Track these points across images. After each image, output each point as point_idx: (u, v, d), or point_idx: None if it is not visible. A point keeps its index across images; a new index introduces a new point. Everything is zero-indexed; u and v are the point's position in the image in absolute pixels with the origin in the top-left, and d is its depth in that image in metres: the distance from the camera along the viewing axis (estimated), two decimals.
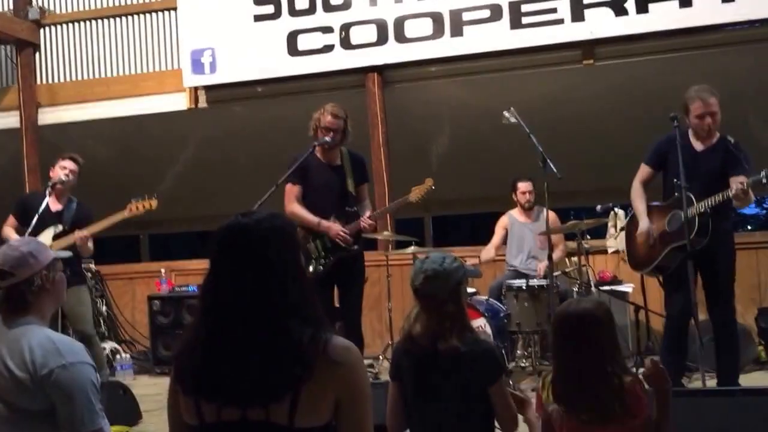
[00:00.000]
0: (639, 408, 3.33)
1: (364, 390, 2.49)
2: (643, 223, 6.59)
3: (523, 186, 8.94)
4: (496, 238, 9.11)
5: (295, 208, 6.91)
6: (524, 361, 8.16)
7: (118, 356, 9.43)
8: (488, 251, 8.98)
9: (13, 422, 3.26)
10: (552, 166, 7.03)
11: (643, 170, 6.72)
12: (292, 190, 6.98)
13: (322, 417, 2.42)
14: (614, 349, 3.42)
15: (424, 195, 7.20)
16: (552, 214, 8.11)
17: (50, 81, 11.69)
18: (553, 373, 3.48)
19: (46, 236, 7.29)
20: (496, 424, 3.86)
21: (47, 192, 7.52)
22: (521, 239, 8.94)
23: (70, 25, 11.63)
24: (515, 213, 9.10)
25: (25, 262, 3.39)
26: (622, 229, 7.68)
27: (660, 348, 7.17)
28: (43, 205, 7.37)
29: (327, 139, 6.88)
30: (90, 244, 7.43)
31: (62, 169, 7.59)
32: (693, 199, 6.16)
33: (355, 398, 2.46)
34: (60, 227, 7.41)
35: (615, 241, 8.43)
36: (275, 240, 2.51)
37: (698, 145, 6.47)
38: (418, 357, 3.79)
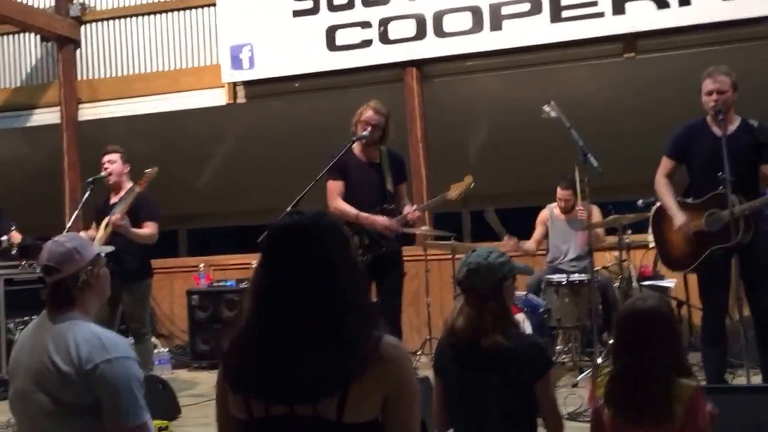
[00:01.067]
0: (697, 415, 3.26)
1: (412, 388, 2.49)
2: (678, 218, 6.22)
3: (560, 193, 8.76)
4: (537, 233, 9.01)
5: (339, 203, 6.88)
6: (564, 356, 8.09)
7: (156, 350, 9.42)
8: (529, 245, 8.87)
9: (59, 416, 3.28)
10: (593, 160, 6.91)
11: (666, 163, 6.42)
12: (334, 186, 6.93)
13: (370, 413, 2.42)
14: (678, 351, 3.38)
15: (464, 192, 7.12)
16: (595, 209, 8.01)
17: (91, 77, 11.76)
18: (612, 373, 3.43)
19: (100, 229, 7.41)
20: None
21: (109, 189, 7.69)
22: (561, 234, 8.83)
23: (111, 21, 11.70)
24: (555, 208, 8.98)
25: (71, 258, 3.42)
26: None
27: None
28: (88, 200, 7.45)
29: (365, 133, 6.84)
30: (145, 230, 7.50)
31: (102, 166, 7.70)
32: (735, 199, 5.89)
33: (403, 396, 2.46)
34: (107, 219, 7.43)
35: None
36: (330, 237, 2.52)
37: (718, 131, 6.13)
38: (461, 351, 3.75)
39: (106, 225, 7.37)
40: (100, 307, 7.26)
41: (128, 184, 7.66)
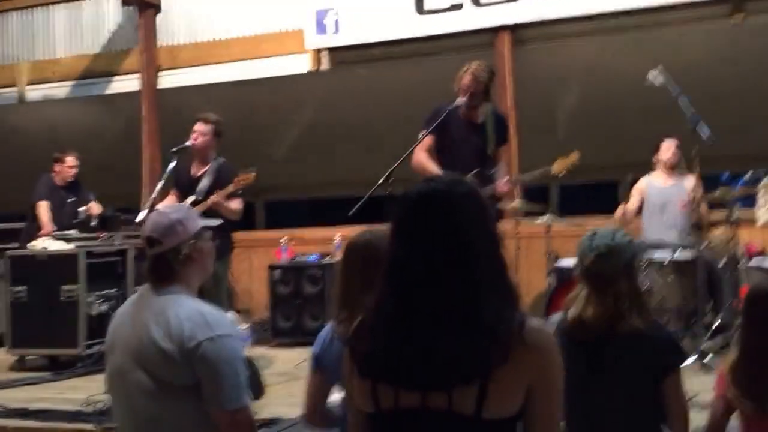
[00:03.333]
0: None
1: (558, 377, 2.26)
2: None
3: (667, 143, 8.19)
4: (633, 203, 8.37)
5: (421, 156, 6.58)
6: None
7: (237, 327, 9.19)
8: (624, 214, 8.28)
9: (157, 396, 3.18)
10: (704, 129, 6.69)
11: None
12: (426, 139, 6.61)
13: (512, 407, 2.18)
14: None
15: (568, 169, 6.81)
16: (698, 182, 7.52)
17: (170, 43, 11.64)
18: (736, 355, 3.32)
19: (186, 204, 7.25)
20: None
21: (191, 157, 7.55)
22: (660, 206, 8.25)
23: None
24: (654, 177, 8.37)
25: (173, 230, 3.33)
26: None
27: None
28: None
29: (463, 100, 6.58)
30: (234, 205, 7.33)
31: (192, 134, 7.50)
32: None
33: (549, 385, 2.23)
34: (193, 197, 7.30)
35: (765, 212, 7.83)
36: (472, 207, 2.28)
37: None
38: (590, 345, 3.48)
39: (195, 203, 7.16)
40: None
41: (213, 158, 7.52)
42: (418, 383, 2.18)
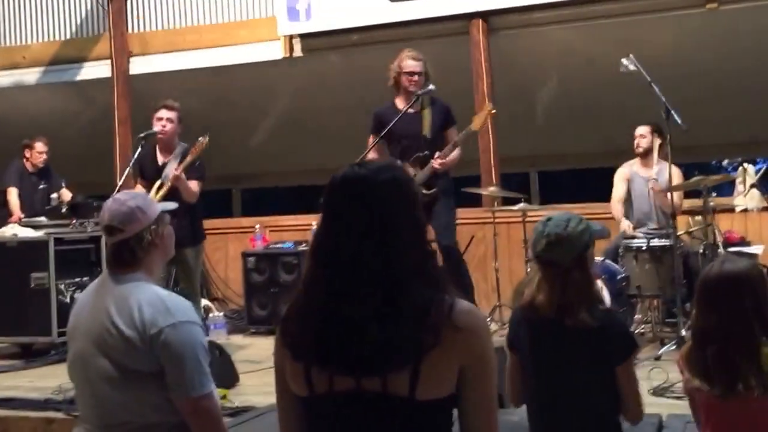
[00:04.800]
0: None
1: (491, 358, 2.28)
2: None
3: (639, 129, 8.01)
4: (620, 191, 8.18)
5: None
6: (644, 327, 7.67)
7: (210, 314, 9.14)
8: (616, 208, 8.22)
9: (120, 382, 3.17)
10: (677, 117, 6.65)
11: None
12: (374, 145, 7.10)
13: (445, 388, 2.21)
14: (761, 315, 3.11)
15: (486, 120, 7.11)
16: (675, 170, 7.50)
17: (142, 29, 11.56)
18: (689, 341, 3.31)
19: (152, 192, 7.22)
20: None
21: (154, 144, 7.49)
22: (640, 195, 8.18)
23: None
24: (636, 165, 8.21)
25: (134, 217, 3.31)
26: (752, 186, 7.11)
27: None
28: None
29: (431, 87, 6.93)
30: (194, 186, 7.29)
31: (157, 120, 7.44)
32: None
33: (482, 367, 2.25)
34: (159, 182, 7.28)
35: (744, 199, 7.87)
36: (395, 192, 2.29)
37: None
38: (539, 327, 3.48)
39: (160, 187, 7.19)
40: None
41: (177, 145, 7.47)
42: (351, 368, 2.20)
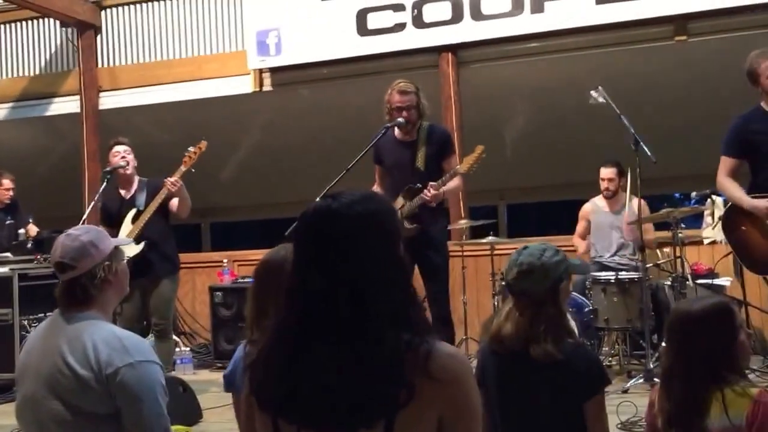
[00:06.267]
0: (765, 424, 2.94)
1: (474, 408, 2.09)
2: (762, 206, 5.67)
3: (604, 172, 8.21)
4: (580, 228, 8.48)
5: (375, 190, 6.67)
6: (611, 359, 7.64)
7: (177, 349, 9.05)
8: (579, 242, 8.34)
9: (73, 426, 3.06)
10: (645, 149, 6.66)
11: (727, 163, 5.91)
12: (376, 171, 6.89)
13: None
14: (725, 356, 3.06)
15: (475, 163, 6.64)
16: (643, 204, 7.54)
17: (112, 64, 11.51)
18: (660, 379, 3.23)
19: (126, 224, 7.21)
20: None
21: (115, 185, 7.47)
22: (605, 229, 8.28)
23: (132, 6, 11.45)
24: (600, 200, 8.42)
25: (87, 253, 3.19)
26: (720, 218, 7.09)
27: (761, 347, 6.56)
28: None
29: (401, 120, 6.54)
30: (187, 199, 7.30)
31: (115, 156, 7.44)
32: None
33: (463, 417, 2.06)
34: (134, 210, 7.28)
35: (712, 231, 7.89)
36: (369, 227, 2.08)
37: None
38: (505, 360, 3.37)
39: (136, 217, 7.19)
40: (132, 302, 7.09)
41: (137, 179, 7.47)
42: (319, 424, 2.03)
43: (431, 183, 6.46)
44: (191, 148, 7.30)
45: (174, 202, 7.26)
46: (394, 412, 1.97)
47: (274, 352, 2.11)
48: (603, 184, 8.24)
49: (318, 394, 2.01)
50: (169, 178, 7.11)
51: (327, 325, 2.02)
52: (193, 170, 7.24)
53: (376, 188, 6.77)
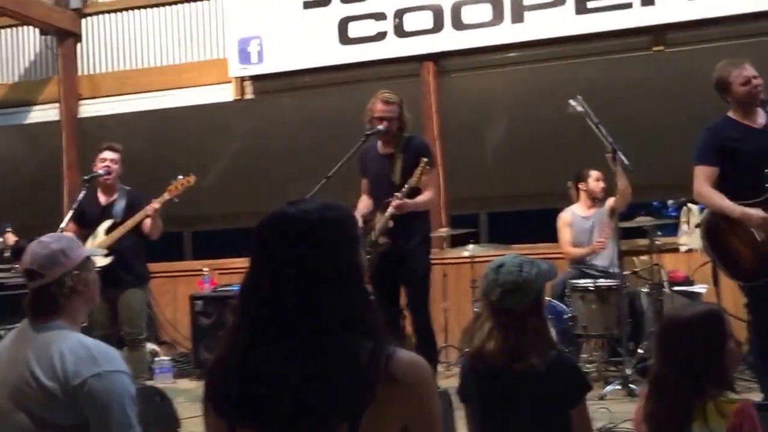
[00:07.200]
0: None
1: (435, 414, 2.13)
2: (755, 213, 5.53)
3: (597, 173, 8.33)
4: (566, 235, 8.45)
5: (360, 203, 6.76)
6: (589, 366, 7.64)
7: (157, 358, 9.02)
8: (569, 250, 8.37)
9: None
10: (623, 157, 6.76)
11: (705, 172, 5.76)
12: (363, 184, 6.90)
13: None
14: (713, 363, 3.06)
15: (421, 176, 6.44)
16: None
17: (91, 72, 11.46)
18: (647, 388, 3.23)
19: (99, 233, 7.21)
20: None
21: (95, 188, 7.48)
22: (585, 235, 8.34)
23: (113, 14, 11.39)
24: (576, 208, 8.52)
25: (56, 261, 3.15)
26: (696, 225, 7.11)
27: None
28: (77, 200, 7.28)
29: (380, 127, 6.54)
30: (159, 223, 7.34)
31: (101, 162, 7.42)
32: None
33: (424, 420, 2.09)
34: (110, 221, 7.28)
35: (689, 239, 7.90)
36: (325, 234, 2.10)
37: (752, 122, 5.72)
38: (487, 375, 3.36)
39: (109, 229, 7.19)
40: (102, 311, 7.05)
41: (119, 186, 7.48)
42: (277, 429, 2.03)
43: (396, 194, 6.40)
44: (180, 177, 7.35)
45: (147, 222, 7.24)
46: (355, 415, 1.97)
47: (230, 357, 2.10)
48: (598, 185, 8.34)
49: (275, 400, 2.00)
50: (152, 204, 7.15)
51: (282, 329, 2.03)
52: (176, 200, 7.28)
53: (362, 201, 6.77)
